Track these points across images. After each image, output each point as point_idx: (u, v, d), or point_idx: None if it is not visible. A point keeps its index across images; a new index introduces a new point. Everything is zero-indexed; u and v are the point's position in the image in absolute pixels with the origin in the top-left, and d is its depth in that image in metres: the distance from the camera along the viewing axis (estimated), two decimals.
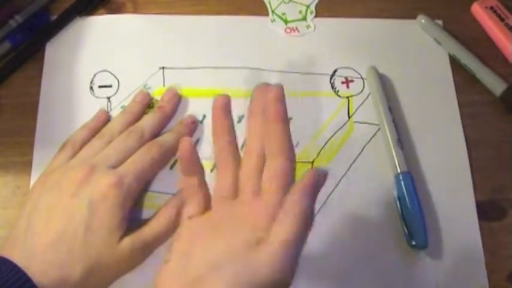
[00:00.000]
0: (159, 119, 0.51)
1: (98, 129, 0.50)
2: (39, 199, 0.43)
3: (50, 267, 0.39)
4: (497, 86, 0.56)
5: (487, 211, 0.52)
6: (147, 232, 0.45)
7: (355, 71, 0.57)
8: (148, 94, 0.53)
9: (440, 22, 0.60)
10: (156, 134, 0.50)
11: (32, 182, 0.50)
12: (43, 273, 0.39)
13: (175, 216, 0.46)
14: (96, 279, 0.42)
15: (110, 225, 0.42)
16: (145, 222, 0.46)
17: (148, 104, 0.53)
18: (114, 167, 0.45)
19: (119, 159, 0.46)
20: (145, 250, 0.45)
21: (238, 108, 0.54)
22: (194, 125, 0.52)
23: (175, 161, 0.51)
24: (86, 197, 0.42)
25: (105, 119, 0.52)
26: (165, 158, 0.49)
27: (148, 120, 0.50)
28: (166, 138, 0.49)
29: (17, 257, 0.39)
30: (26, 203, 0.44)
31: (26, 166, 0.51)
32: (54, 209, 0.42)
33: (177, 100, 0.53)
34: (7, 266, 0.38)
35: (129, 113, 0.51)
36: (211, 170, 0.51)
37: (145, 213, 0.48)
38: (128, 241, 0.43)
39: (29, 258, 0.39)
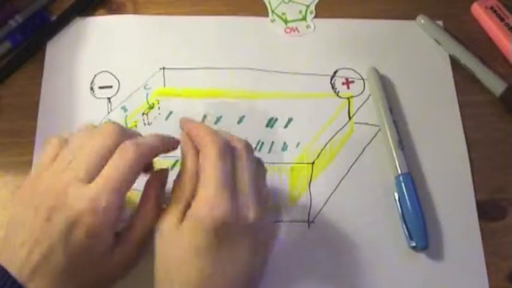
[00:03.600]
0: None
1: None
2: (20, 214, 0.41)
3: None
4: (497, 86, 0.56)
5: (487, 211, 0.52)
6: (134, 235, 0.43)
7: (356, 72, 0.57)
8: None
9: (440, 23, 0.60)
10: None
11: None
12: None
13: (156, 209, 0.44)
14: None
15: (91, 249, 0.39)
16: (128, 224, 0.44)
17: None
18: (88, 178, 0.40)
19: (91, 169, 0.40)
20: (139, 250, 0.45)
21: (238, 108, 0.54)
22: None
23: (176, 162, 0.51)
24: (63, 223, 0.39)
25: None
26: (144, 157, 0.42)
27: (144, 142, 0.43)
28: (143, 137, 0.44)
29: (12, 269, 0.38)
30: (14, 206, 0.42)
31: (26, 166, 0.51)
32: (32, 230, 0.39)
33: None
34: (7, 278, 0.38)
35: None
36: None
37: None
38: (115, 256, 0.42)
39: (23, 278, 0.38)
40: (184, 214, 0.40)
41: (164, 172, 0.46)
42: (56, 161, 0.42)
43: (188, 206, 0.41)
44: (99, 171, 0.40)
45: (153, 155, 0.43)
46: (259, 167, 0.45)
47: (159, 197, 0.44)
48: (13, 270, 0.38)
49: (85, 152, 0.41)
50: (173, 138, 0.45)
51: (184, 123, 0.45)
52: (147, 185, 0.45)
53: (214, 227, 0.39)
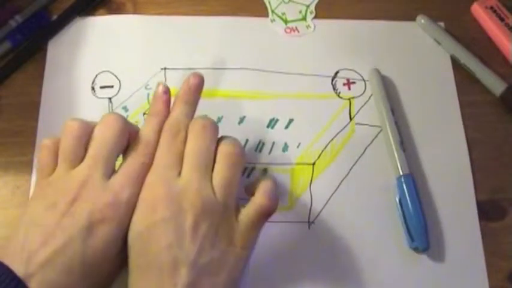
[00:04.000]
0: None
1: None
2: (36, 210, 0.41)
3: (48, 285, 0.38)
4: (497, 86, 0.56)
5: (487, 211, 0.52)
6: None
7: (357, 73, 0.57)
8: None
9: (442, 24, 0.60)
10: None
11: (32, 182, 0.50)
12: None
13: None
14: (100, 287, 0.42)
15: (109, 246, 0.40)
16: None
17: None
18: (107, 173, 0.42)
19: (108, 162, 0.43)
20: None
21: (239, 109, 0.54)
22: (167, 96, 0.47)
23: None
24: (83, 216, 0.40)
25: None
26: (152, 157, 0.44)
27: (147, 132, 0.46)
28: (148, 133, 0.45)
29: (17, 266, 0.38)
30: (26, 211, 0.42)
31: (26, 166, 0.51)
32: (50, 224, 0.40)
33: (168, 99, 0.48)
34: (8, 275, 0.37)
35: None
36: None
37: None
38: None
39: (26, 272, 0.38)
40: None
41: None
42: (65, 160, 0.43)
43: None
44: (114, 162, 0.43)
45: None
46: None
47: None
48: (17, 264, 0.38)
49: (96, 146, 0.43)
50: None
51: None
52: None
53: None
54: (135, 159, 0.43)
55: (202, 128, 0.44)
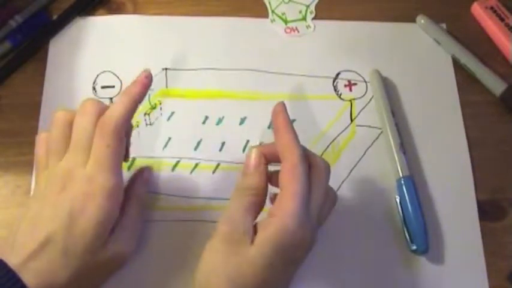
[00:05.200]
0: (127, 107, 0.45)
1: None
2: (31, 206, 0.42)
3: (35, 275, 0.39)
4: (497, 86, 0.56)
5: (487, 211, 0.52)
6: (129, 224, 0.45)
7: (358, 74, 0.57)
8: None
9: (444, 25, 0.60)
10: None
11: (32, 181, 0.50)
12: (30, 281, 0.38)
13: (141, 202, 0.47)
14: (85, 282, 0.42)
15: (90, 234, 0.40)
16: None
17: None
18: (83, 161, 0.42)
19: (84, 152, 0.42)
20: (132, 241, 0.45)
21: (239, 109, 0.54)
22: (148, 80, 0.47)
23: (177, 163, 0.51)
24: (66, 206, 0.40)
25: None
26: (122, 133, 0.43)
27: (114, 111, 0.44)
28: (115, 110, 0.43)
29: (9, 262, 0.39)
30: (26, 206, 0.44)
31: (26, 166, 0.51)
32: (38, 218, 0.41)
33: (149, 83, 0.47)
34: (4, 269, 0.38)
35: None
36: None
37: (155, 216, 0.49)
38: (111, 246, 0.42)
39: (17, 264, 0.39)
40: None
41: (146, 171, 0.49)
42: (53, 153, 0.43)
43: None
44: (90, 149, 0.42)
45: (131, 115, 0.44)
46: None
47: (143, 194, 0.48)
48: (9, 256, 0.39)
49: (75, 135, 0.43)
50: (139, 83, 0.46)
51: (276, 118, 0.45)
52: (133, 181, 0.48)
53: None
54: (101, 142, 0.42)
55: None
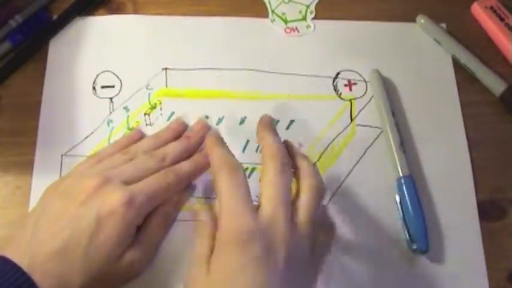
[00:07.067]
0: (183, 148, 0.50)
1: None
2: (49, 203, 0.43)
3: (50, 276, 0.39)
4: (497, 86, 0.56)
5: (487, 211, 0.52)
6: (145, 244, 0.45)
7: (358, 74, 0.57)
8: (207, 125, 0.53)
9: (444, 25, 0.60)
10: (178, 161, 0.48)
11: (33, 181, 0.50)
12: (43, 281, 0.38)
13: (167, 222, 0.48)
14: None
15: (113, 242, 0.41)
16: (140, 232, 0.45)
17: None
18: (128, 183, 0.43)
19: (134, 177, 0.44)
20: (149, 255, 0.45)
21: (240, 109, 0.54)
22: (179, 126, 0.52)
23: None
24: (94, 208, 0.41)
25: (139, 138, 0.51)
26: (180, 186, 0.47)
27: (173, 147, 0.49)
28: (184, 167, 0.48)
29: (19, 259, 0.39)
30: (37, 204, 0.44)
31: (26, 166, 0.51)
32: (62, 216, 0.41)
33: (205, 132, 0.51)
34: (10, 266, 0.38)
35: (159, 137, 0.51)
36: None
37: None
38: (128, 256, 0.42)
39: (30, 264, 0.39)
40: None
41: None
42: (102, 163, 0.46)
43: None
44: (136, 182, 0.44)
45: (186, 184, 0.48)
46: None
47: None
48: (20, 256, 0.39)
49: (135, 166, 0.46)
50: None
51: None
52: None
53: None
54: (163, 178, 0.45)
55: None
